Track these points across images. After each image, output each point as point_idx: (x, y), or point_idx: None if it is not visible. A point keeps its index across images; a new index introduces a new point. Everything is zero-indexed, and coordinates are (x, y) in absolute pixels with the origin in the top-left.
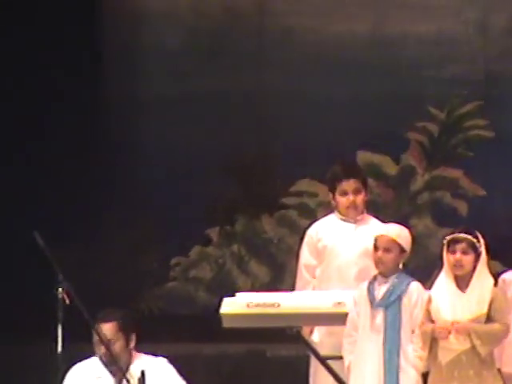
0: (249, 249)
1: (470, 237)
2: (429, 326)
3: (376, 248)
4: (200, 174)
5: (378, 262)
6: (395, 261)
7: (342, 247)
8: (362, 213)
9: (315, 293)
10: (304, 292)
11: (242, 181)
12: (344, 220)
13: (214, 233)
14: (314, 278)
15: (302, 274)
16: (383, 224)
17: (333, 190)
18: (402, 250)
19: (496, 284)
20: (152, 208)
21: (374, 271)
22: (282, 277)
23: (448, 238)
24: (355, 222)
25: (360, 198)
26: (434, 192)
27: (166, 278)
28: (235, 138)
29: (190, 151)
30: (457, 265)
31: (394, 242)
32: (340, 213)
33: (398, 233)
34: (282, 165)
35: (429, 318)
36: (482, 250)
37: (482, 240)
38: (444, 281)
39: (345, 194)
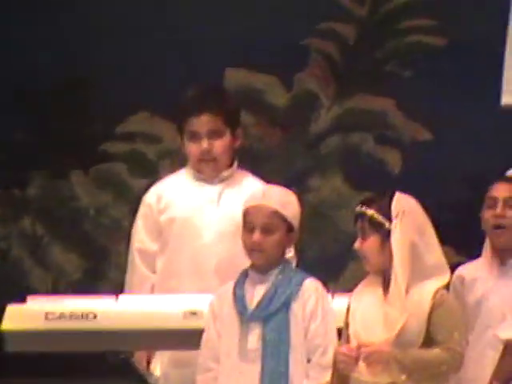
0: (49, 225)
1: (370, 211)
2: (336, 349)
3: (248, 227)
4: None
5: (252, 250)
6: (280, 246)
7: (198, 222)
8: (229, 167)
9: (155, 297)
10: (137, 296)
11: (41, 118)
12: (201, 180)
13: None
14: (155, 272)
15: (136, 265)
16: (258, 187)
17: (181, 131)
18: (290, 228)
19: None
20: None
21: (247, 261)
22: (101, 271)
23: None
24: (219, 181)
25: (220, 145)
26: (348, 135)
27: None
28: (33, 53)
29: None
30: (364, 257)
31: (278, 215)
32: (193, 168)
33: (283, 200)
34: (105, 92)
35: (348, 337)
36: (396, 227)
37: (397, 209)
38: (365, 281)
39: (195, 137)
